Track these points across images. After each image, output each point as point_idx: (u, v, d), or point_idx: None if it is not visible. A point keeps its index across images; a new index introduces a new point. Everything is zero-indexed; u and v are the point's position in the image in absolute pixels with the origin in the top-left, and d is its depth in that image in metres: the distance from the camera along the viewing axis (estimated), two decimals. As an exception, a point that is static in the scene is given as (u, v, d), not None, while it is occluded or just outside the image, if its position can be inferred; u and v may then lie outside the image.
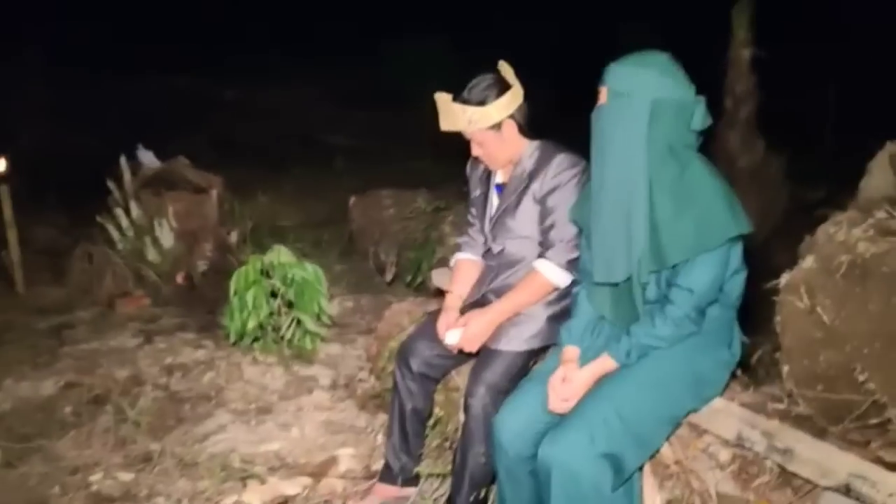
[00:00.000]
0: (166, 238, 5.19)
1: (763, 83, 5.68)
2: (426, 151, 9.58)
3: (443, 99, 2.47)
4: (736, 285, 2.11)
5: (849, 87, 7.68)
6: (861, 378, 2.31)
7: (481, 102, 2.43)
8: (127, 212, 5.22)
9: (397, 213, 5.20)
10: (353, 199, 5.77)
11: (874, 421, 2.23)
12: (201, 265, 5.19)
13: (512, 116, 2.47)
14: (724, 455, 2.06)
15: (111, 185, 5.33)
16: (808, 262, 2.54)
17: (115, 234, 5.18)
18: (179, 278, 5.14)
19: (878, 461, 1.79)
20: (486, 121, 2.44)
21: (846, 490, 1.74)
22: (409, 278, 4.65)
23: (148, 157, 5.65)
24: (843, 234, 2.52)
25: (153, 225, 5.19)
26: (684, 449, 2.10)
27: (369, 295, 4.89)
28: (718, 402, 2.09)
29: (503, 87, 2.45)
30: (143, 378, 3.70)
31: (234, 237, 5.51)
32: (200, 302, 4.89)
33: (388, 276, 4.87)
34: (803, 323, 2.49)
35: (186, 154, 5.89)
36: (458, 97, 2.46)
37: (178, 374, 3.75)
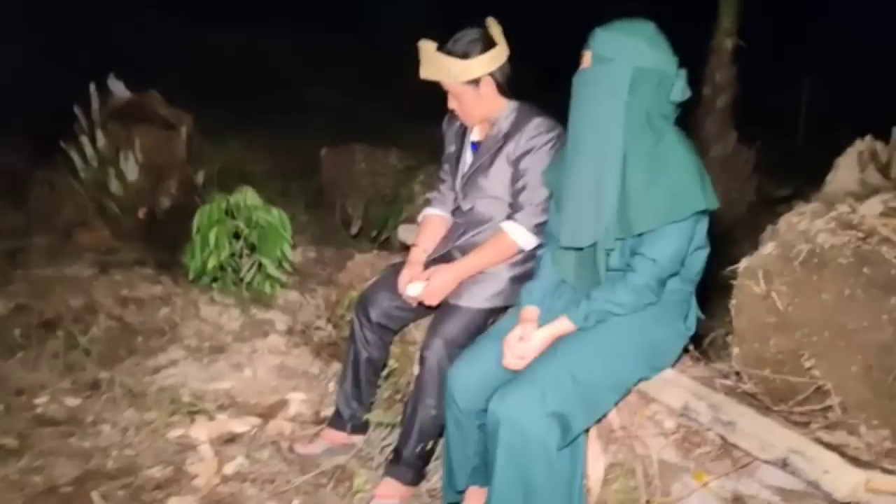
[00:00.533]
0: (131, 171, 5.08)
1: (742, 74, 5.73)
2: (400, 113, 9.54)
3: (426, 47, 2.45)
4: (697, 261, 2.14)
5: (826, 86, 7.78)
6: (808, 364, 2.37)
7: (464, 55, 2.41)
8: (92, 141, 5.09)
9: (368, 168, 5.17)
10: (324, 151, 5.72)
11: (816, 407, 2.30)
12: (165, 202, 5.10)
13: (492, 74, 2.45)
14: (669, 424, 2.10)
15: (78, 112, 5.20)
16: (768, 248, 2.60)
17: (78, 162, 5.06)
18: (141, 213, 5.04)
19: (817, 441, 1.84)
20: (466, 74, 2.43)
21: (783, 464, 1.80)
22: (374, 233, 4.63)
23: (118, 88, 5.49)
24: (804, 224, 2.57)
25: (118, 156, 5.08)
26: (631, 415, 2.14)
27: (333, 247, 4.86)
28: (668, 373, 2.13)
29: (488, 43, 2.44)
30: (97, 307, 3.64)
31: (200, 177, 5.42)
32: (161, 238, 4.81)
33: (354, 230, 4.85)
34: (758, 307, 2.54)
35: (159, 92, 5.76)
36: (441, 47, 2.44)
37: (133, 307, 3.70)
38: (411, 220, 4.40)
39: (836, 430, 1.99)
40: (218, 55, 11.18)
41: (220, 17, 12.09)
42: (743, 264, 2.62)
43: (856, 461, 1.75)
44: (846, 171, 3.00)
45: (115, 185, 5.06)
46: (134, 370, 3.19)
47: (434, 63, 2.43)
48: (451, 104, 2.55)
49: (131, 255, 4.63)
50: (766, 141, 6.26)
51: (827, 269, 2.36)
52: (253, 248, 3.77)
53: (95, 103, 5.18)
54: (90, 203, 5.00)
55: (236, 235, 3.74)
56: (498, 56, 2.45)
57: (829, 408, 2.31)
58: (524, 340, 2.09)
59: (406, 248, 3.60)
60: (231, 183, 5.81)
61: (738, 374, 2.31)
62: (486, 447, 2.19)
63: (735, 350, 2.65)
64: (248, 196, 3.74)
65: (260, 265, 3.76)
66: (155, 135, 5.23)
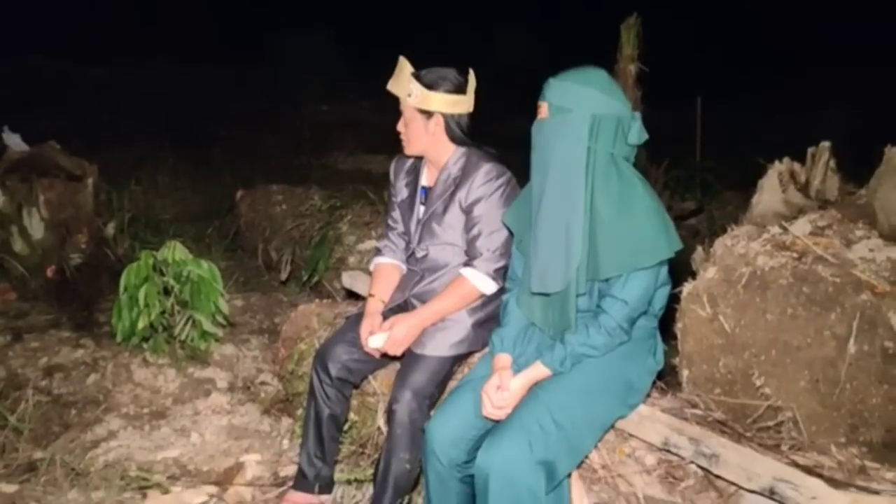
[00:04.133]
0: (36, 228, 4.83)
1: (644, 96, 5.97)
2: (304, 147, 9.43)
3: (403, 63, 2.50)
4: (661, 297, 2.21)
5: (714, 104, 8.23)
6: (758, 383, 2.48)
7: (429, 86, 2.47)
8: (-9, 198, 4.81)
9: (290, 209, 5.07)
10: (240, 193, 5.58)
11: (770, 423, 2.40)
12: (75, 258, 4.86)
13: (446, 117, 2.50)
14: (650, 459, 2.15)
15: (-27, 169, 4.90)
16: (710, 272, 2.70)
17: (-24, 222, 4.77)
18: (50, 272, 4.79)
19: (794, 465, 1.92)
20: (422, 103, 2.48)
21: (770, 493, 1.86)
22: (304, 278, 4.54)
23: (14, 140, 5.22)
24: (742, 247, 2.69)
25: (21, 213, 4.81)
26: (610, 453, 2.18)
27: (259, 293, 4.75)
28: (644, 409, 2.18)
29: (457, 88, 2.49)
30: (21, 380, 3.42)
31: (110, 229, 5.20)
32: (74, 297, 4.58)
33: (284, 275, 4.73)
34: (705, 330, 2.64)
35: (47, 137, 5.47)
36: (415, 71, 2.49)
37: (59, 376, 3.49)
38: (342, 262, 4.36)
39: (807, 451, 2.08)
40: (101, 93, 10.76)
41: (102, 52, 11.65)
42: (686, 289, 2.73)
43: (835, 482, 1.84)
44: (770, 192, 3.15)
45: (19, 244, 4.80)
46: (72, 446, 3.00)
47: (401, 79, 2.49)
48: (400, 126, 2.58)
49: (43, 317, 4.39)
50: (668, 158, 6.54)
51: (769, 290, 2.48)
52: (184, 304, 3.62)
53: (-8, 159, 4.90)
54: (-7, 265, 4.71)
55: (166, 292, 3.58)
56: (459, 103, 2.50)
57: (781, 424, 2.44)
58: (502, 389, 2.09)
59: (349, 296, 3.56)
60: (141, 232, 5.62)
61: (703, 403, 2.38)
62: (470, 498, 2.19)
63: (685, 372, 2.75)
64: (175, 251, 3.59)
65: (193, 321, 3.62)
66: (59, 188, 5.00)
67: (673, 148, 7.08)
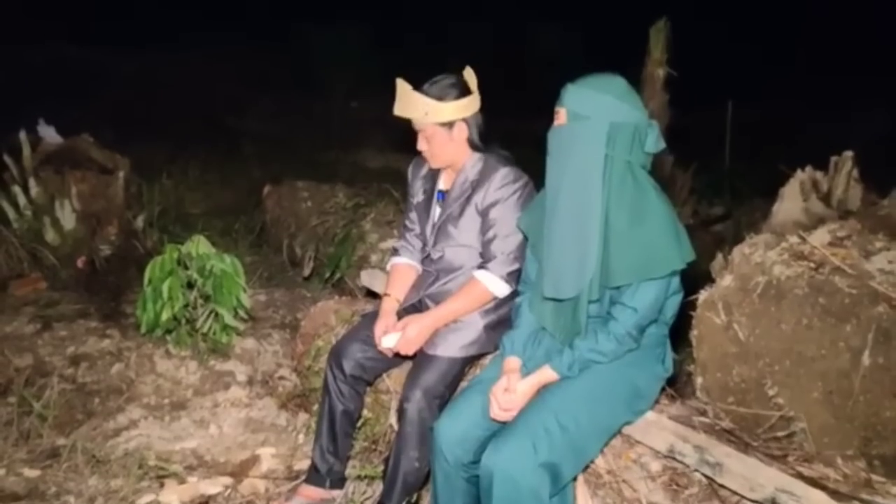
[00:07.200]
0: (67, 219, 4.94)
1: (672, 100, 5.94)
2: (333, 143, 9.50)
3: (403, 85, 2.49)
4: (672, 305, 2.22)
5: (745, 108, 8.15)
6: (771, 393, 2.47)
7: (440, 98, 2.47)
8: (25, 189, 4.93)
9: (315, 206, 5.12)
10: (267, 189, 5.64)
11: (781, 433, 2.39)
12: (105, 250, 4.97)
13: (466, 121, 2.51)
14: (655, 466, 2.16)
15: (8, 160, 5.02)
16: (726, 280, 2.70)
17: (10, 212, 4.89)
18: (80, 262, 4.89)
19: (799, 476, 1.92)
20: (440, 116, 2.48)
21: (772, 503, 1.86)
22: (327, 274, 4.59)
23: (49, 133, 5.34)
24: (759, 256, 2.68)
25: (53, 205, 4.92)
26: (616, 459, 2.19)
27: (283, 289, 4.81)
28: (650, 415, 2.18)
29: (464, 90, 2.50)
30: (47, 368, 3.50)
31: (140, 222, 5.30)
32: (103, 288, 4.67)
33: (307, 271, 4.79)
34: (720, 338, 2.64)
35: (81, 129, 5.58)
36: (418, 87, 2.48)
37: (85, 365, 3.57)
38: (365, 260, 4.40)
39: (814, 462, 2.07)
40: (134, 85, 10.91)
41: (134, 44, 11.78)
42: (702, 296, 2.72)
43: (839, 495, 1.83)
44: (791, 200, 3.14)
45: (51, 235, 4.91)
46: (93, 434, 3.08)
47: (411, 102, 2.48)
48: (421, 145, 2.58)
49: (73, 307, 4.47)
50: (696, 163, 6.49)
51: (784, 299, 2.47)
52: (207, 298, 3.68)
53: (27, 150, 5.02)
54: (25, 254, 4.82)
55: (189, 285, 3.65)
56: (471, 104, 2.51)
57: (794, 434, 2.43)
58: (510, 392, 2.12)
59: (368, 294, 3.60)
60: (170, 225, 5.71)
61: (715, 414, 2.38)
62: (475, 498, 2.21)
63: (699, 380, 2.75)
64: (199, 245, 3.65)
65: (215, 315, 3.68)
66: (91, 181, 5.11)
67: (702, 152, 7.05)
